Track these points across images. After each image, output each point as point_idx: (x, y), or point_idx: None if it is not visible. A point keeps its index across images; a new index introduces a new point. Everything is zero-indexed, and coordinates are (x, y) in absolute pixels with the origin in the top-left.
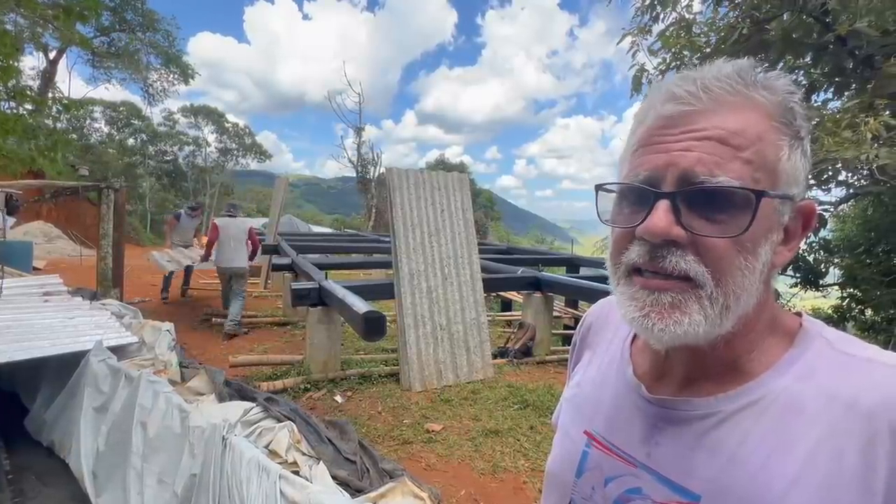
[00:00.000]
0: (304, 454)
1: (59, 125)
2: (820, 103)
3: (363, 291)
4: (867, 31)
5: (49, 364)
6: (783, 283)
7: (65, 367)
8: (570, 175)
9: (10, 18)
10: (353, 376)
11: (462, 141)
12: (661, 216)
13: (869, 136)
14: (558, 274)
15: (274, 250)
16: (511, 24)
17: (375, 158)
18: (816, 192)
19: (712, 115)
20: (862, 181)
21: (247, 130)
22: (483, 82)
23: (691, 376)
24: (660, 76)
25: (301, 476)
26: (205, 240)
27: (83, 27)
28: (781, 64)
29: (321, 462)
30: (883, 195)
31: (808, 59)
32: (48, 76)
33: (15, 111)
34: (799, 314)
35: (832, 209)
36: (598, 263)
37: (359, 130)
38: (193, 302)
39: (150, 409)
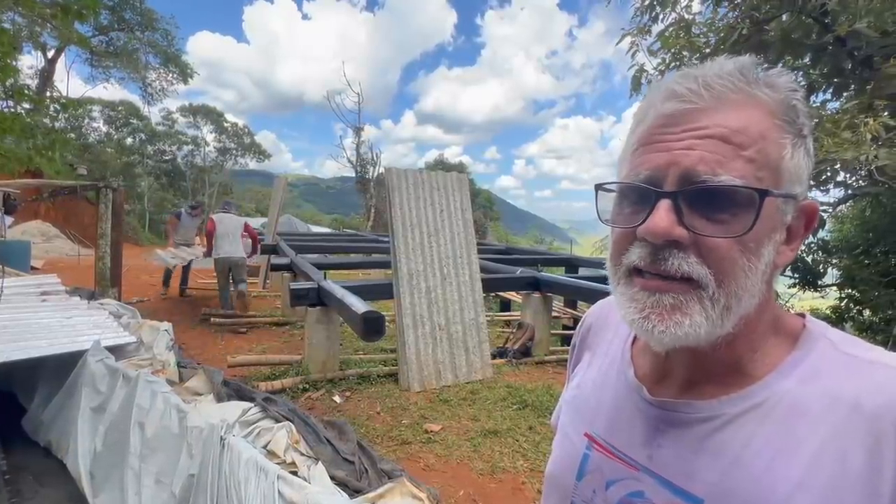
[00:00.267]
0: (302, 454)
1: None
2: (819, 104)
3: (362, 291)
4: (867, 31)
5: (47, 364)
6: (782, 284)
7: (62, 367)
8: (569, 175)
9: (8, 17)
10: (352, 376)
11: (461, 141)
12: (662, 216)
13: (868, 136)
14: (557, 274)
15: (273, 250)
16: (510, 25)
17: (374, 158)
18: (815, 193)
19: (714, 112)
20: (860, 182)
21: (246, 130)
22: (482, 82)
23: (693, 378)
24: (659, 76)
25: (299, 476)
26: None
27: (82, 26)
28: (780, 64)
29: (320, 462)
30: (881, 196)
31: (807, 59)
32: (46, 75)
33: (13, 110)
34: (802, 315)
35: (831, 210)
36: (597, 264)
37: (358, 130)
38: (192, 301)
39: (147, 409)
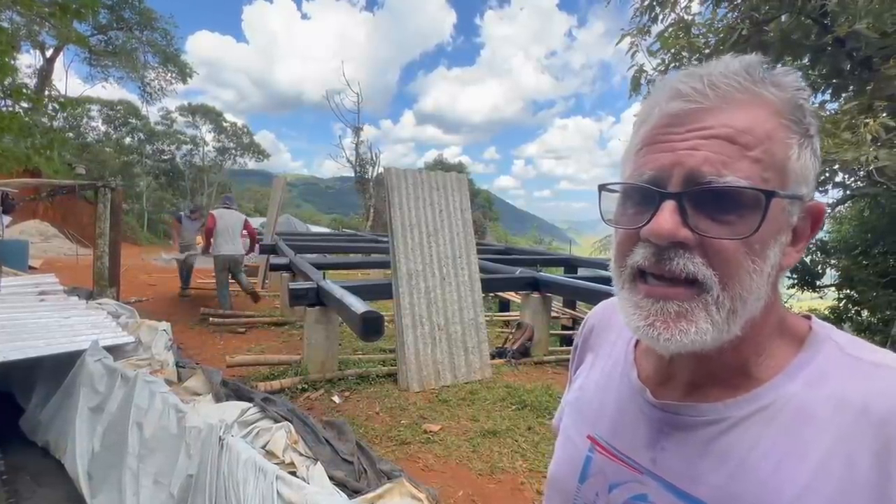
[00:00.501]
0: (301, 455)
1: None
2: (818, 105)
3: (361, 291)
4: (866, 32)
5: (45, 364)
6: (780, 284)
7: (60, 367)
8: (568, 176)
9: (6, 16)
10: (351, 376)
11: (460, 141)
12: (667, 217)
13: (869, 137)
14: (556, 274)
15: (272, 250)
16: (510, 25)
17: (374, 158)
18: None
19: (719, 112)
20: (859, 183)
21: (245, 130)
22: (481, 83)
23: (697, 381)
24: (659, 77)
25: (298, 477)
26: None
27: (80, 25)
28: (780, 65)
29: (318, 463)
30: (879, 197)
31: (806, 60)
32: (45, 74)
33: (11, 109)
34: (808, 317)
35: (829, 211)
36: (596, 264)
37: (357, 130)
38: (191, 301)
39: (146, 410)
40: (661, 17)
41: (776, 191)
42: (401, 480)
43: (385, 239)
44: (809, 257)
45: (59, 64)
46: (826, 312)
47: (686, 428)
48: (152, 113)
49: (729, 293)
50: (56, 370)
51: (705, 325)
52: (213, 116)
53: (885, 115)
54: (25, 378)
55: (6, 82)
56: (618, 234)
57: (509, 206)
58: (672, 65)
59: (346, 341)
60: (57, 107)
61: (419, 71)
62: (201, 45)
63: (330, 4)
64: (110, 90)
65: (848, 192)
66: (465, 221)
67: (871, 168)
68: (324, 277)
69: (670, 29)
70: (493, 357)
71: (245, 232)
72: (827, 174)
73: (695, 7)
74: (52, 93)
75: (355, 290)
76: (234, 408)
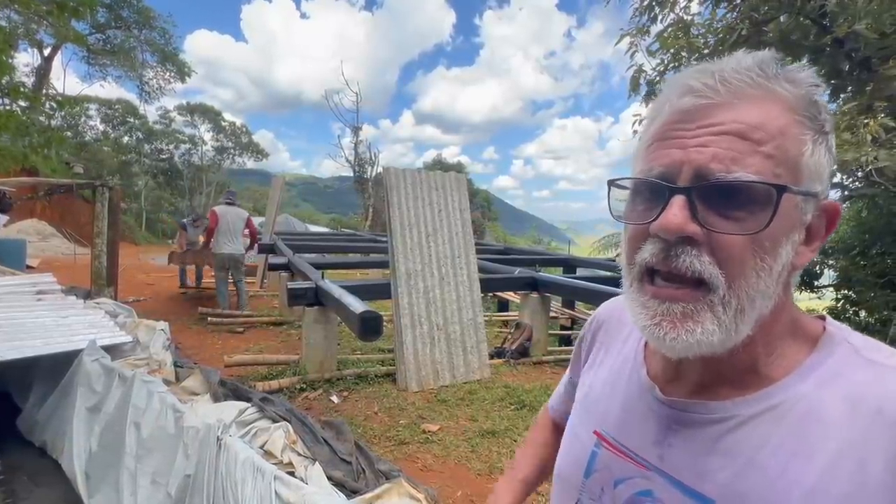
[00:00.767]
0: (299, 455)
1: (53, 122)
2: None
3: (360, 291)
4: (865, 33)
5: (42, 363)
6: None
7: (58, 367)
8: (567, 176)
9: (4, 14)
10: (350, 376)
11: (459, 141)
12: (676, 212)
13: (868, 137)
14: (555, 274)
15: (270, 249)
16: (509, 25)
17: (373, 158)
18: None
19: (731, 108)
20: (857, 183)
21: (243, 129)
22: (481, 83)
23: (706, 379)
24: (658, 77)
25: (296, 477)
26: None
27: (78, 24)
28: None
29: (317, 463)
30: (877, 197)
31: (805, 61)
32: (43, 73)
33: (8, 108)
34: (822, 318)
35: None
36: (595, 264)
37: (356, 130)
38: (189, 301)
39: (144, 409)
40: (660, 17)
41: (788, 186)
42: (399, 480)
43: (384, 239)
44: None
45: (57, 62)
46: (824, 313)
47: (694, 425)
48: (150, 112)
49: (735, 291)
50: (53, 370)
51: (711, 326)
52: (211, 116)
53: (884, 115)
54: (23, 377)
55: (4, 81)
56: (627, 230)
57: (508, 206)
58: (671, 65)
59: (345, 341)
60: (55, 105)
61: (418, 71)
62: (200, 44)
63: (329, 4)
64: (108, 89)
65: (846, 192)
66: (463, 221)
67: (869, 169)
68: (322, 277)
69: (669, 29)
70: (491, 357)
71: (247, 231)
72: None
73: (694, 7)
74: (50, 91)
75: (354, 290)
76: (232, 408)
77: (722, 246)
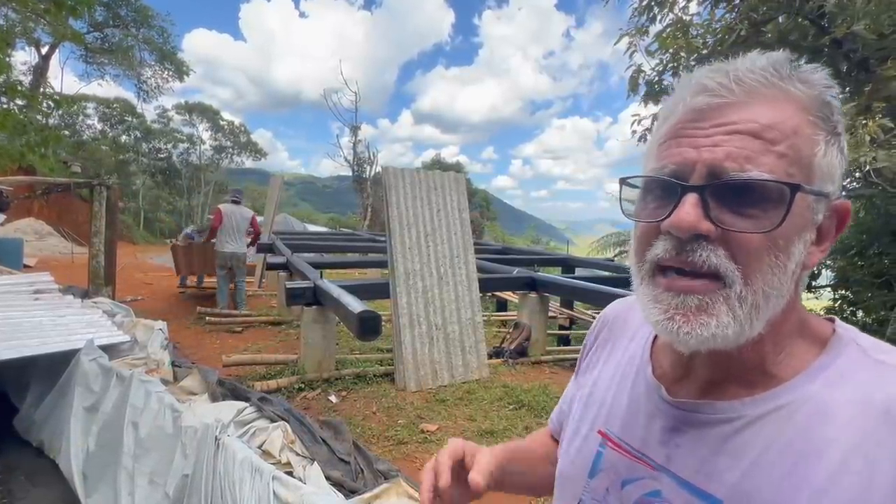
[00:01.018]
0: (297, 455)
1: (50, 121)
2: None
3: (358, 291)
4: (864, 33)
5: (39, 363)
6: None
7: (55, 366)
8: (566, 176)
9: (1, 12)
10: (348, 376)
11: (458, 141)
12: (688, 209)
13: (867, 138)
14: (554, 274)
15: (269, 249)
16: (508, 25)
17: (371, 157)
18: None
19: (745, 107)
20: (855, 184)
21: (242, 128)
22: (480, 82)
23: (714, 378)
24: (656, 77)
25: (295, 477)
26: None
27: (76, 22)
28: None
29: (315, 463)
30: (875, 198)
31: (803, 61)
32: (40, 71)
33: (5, 106)
34: (831, 319)
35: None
36: (594, 264)
37: (355, 129)
38: (187, 300)
39: (141, 409)
40: (659, 17)
41: (801, 184)
42: (398, 480)
43: (382, 238)
44: None
45: (54, 61)
46: (821, 313)
47: (702, 425)
48: (149, 111)
49: (752, 288)
50: (51, 369)
51: (726, 319)
52: (210, 115)
53: (882, 116)
54: (20, 377)
55: (1, 79)
56: (638, 228)
57: (507, 206)
58: (670, 65)
59: (344, 341)
60: (52, 104)
61: (417, 70)
62: (198, 43)
63: (328, 3)
64: (106, 88)
65: (843, 193)
66: (462, 221)
67: (868, 169)
68: (321, 277)
69: (668, 29)
70: (490, 357)
71: (251, 230)
72: None
73: (693, 7)
74: (48, 90)
75: (352, 290)
76: (230, 407)
77: (739, 243)
